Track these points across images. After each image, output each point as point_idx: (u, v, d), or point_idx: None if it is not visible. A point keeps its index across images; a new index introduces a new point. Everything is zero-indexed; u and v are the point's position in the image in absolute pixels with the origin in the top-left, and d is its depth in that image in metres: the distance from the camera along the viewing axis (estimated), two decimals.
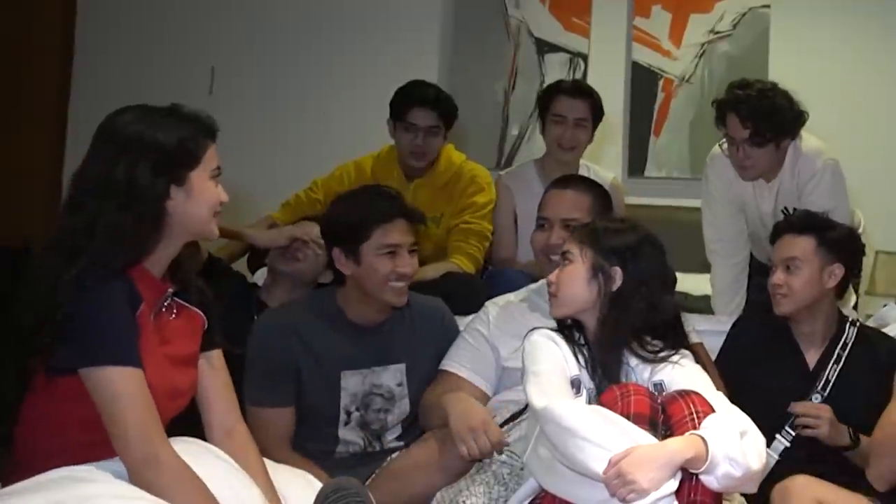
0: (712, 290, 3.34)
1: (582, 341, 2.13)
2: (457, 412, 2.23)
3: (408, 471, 2.28)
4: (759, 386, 2.52)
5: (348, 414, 2.46)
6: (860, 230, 3.44)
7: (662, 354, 2.08)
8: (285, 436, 2.42)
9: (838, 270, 2.59)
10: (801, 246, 2.58)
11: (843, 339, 2.61)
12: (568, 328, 2.14)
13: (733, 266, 3.32)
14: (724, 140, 3.08)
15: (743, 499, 2.20)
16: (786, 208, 3.11)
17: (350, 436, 2.48)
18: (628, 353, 2.09)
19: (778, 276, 2.59)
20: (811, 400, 2.55)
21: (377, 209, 2.42)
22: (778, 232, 2.67)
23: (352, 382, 2.46)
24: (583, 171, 3.46)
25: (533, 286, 2.61)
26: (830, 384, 2.56)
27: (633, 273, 2.08)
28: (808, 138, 3.11)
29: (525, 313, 2.50)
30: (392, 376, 2.50)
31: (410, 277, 2.46)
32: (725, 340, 2.74)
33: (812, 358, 2.63)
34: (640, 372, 2.08)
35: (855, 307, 3.37)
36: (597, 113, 3.50)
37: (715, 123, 3.07)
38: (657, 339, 2.10)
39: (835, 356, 2.59)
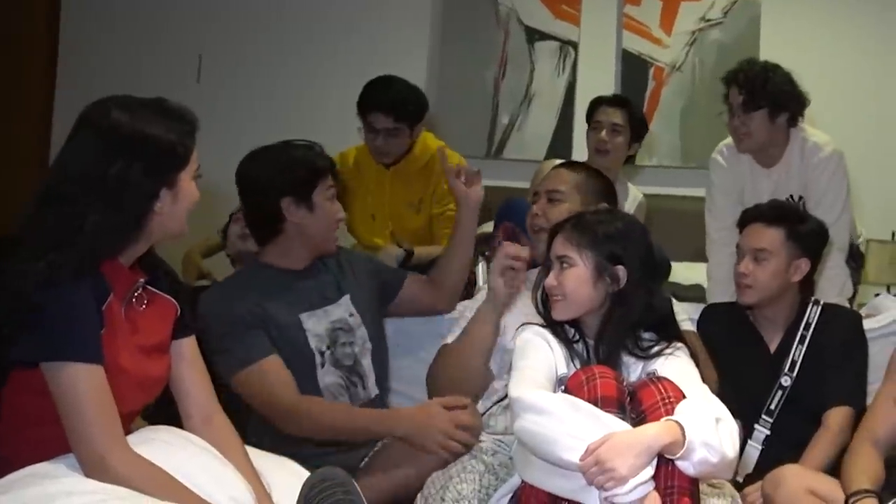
0: (708, 281, 3.36)
1: (576, 338, 2.13)
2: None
3: (399, 456, 2.30)
4: (729, 374, 2.53)
5: (321, 354, 2.50)
6: (860, 240, 3.49)
7: (655, 350, 2.08)
8: (289, 379, 2.41)
9: (804, 265, 2.62)
10: (771, 237, 2.60)
11: (805, 320, 2.63)
12: (560, 325, 2.13)
13: (731, 255, 3.32)
14: (726, 111, 3.19)
15: (733, 488, 2.20)
16: (791, 196, 3.17)
17: (329, 377, 2.50)
18: (623, 351, 2.09)
19: (745, 265, 2.61)
20: (780, 383, 2.58)
21: (320, 159, 2.54)
22: (747, 219, 2.68)
23: (312, 323, 2.50)
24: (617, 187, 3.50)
25: (532, 270, 2.61)
26: (797, 365, 2.58)
27: (632, 265, 2.08)
28: (815, 132, 3.23)
29: (526, 294, 2.48)
30: (343, 309, 2.57)
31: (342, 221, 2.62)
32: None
33: (773, 342, 2.66)
34: (633, 366, 2.08)
35: (852, 299, 3.38)
36: (635, 122, 3.71)
37: (724, 99, 3.22)
38: (651, 332, 2.11)
39: (798, 337, 2.61)
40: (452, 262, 2.77)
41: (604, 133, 3.65)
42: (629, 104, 3.76)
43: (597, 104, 3.76)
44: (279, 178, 2.48)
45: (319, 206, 2.49)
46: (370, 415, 2.42)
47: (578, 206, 2.51)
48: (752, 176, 3.25)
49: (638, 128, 3.75)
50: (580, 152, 4.18)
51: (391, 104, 3.32)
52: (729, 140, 3.32)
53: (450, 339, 2.56)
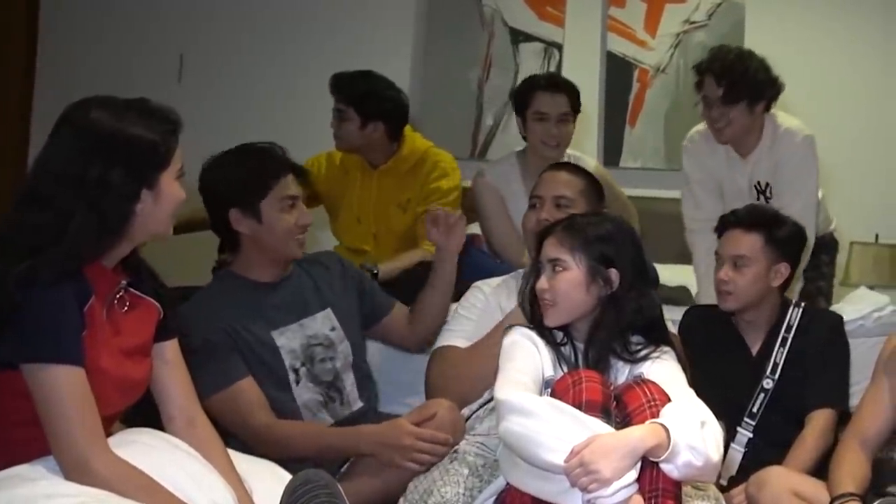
0: (696, 276, 3.31)
1: (564, 341, 2.11)
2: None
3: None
4: (711, 378, 2.50)
5: (296, 371, 2.46)
6: (832, 228, 3.47)
7: (643, 354, 2.07)
8: (262, 400, 2.38)
9: (784, 269, 2.63)
10: (749, 243, 2.60)
11: (786, 323, 2.64)
12: (548, 328, 2.11)
13: (714, 242, 3.30)
14: (700, 102, 3.10)
15: (718, 491, 2.19)
16: (758, 183, 3.15)
17: (307, 394, 2.47)
18: (611, 355, 2.08)
19: (725, 272, 2.61)
20: (762, 386, 2.58)
21: (270, 164, 2.43)
22: (725, 225, 2.68)
23: (285, 339, 2.46)
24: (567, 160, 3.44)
25: (521, 270, 2.60)
26: (779, 368, 2.60)
27: (624, 266, 2.06)
28: (787, 117, 3.17)
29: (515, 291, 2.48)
30: (322, 323, 2.52)
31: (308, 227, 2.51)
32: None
33: (755, 345, 2.67)
34: (620, 369, 2.07)
35: (829, 298, 3.38)
36: (576, 106, 3.43)
37: (695, 87, 3.13)
38: (639, 335, 2.10)
39: (780, 340, 2.62)
40: (428, 307, 2.66)
41: (553, 126, 3.32)
42: (571, 89, 3.41)
43: (531, 90, 3.38)
44: (224, 188, 2.41)
45: (269, 216, 2.40)
46: (337, 433, 2.38)
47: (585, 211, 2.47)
48: (729, 165, 3.20)
49: (577, 111, 3.43)
50: None
51: (336, 82, 3.34)
52: (697, 128, 3.27)
53: (444, 343, 2.55)
